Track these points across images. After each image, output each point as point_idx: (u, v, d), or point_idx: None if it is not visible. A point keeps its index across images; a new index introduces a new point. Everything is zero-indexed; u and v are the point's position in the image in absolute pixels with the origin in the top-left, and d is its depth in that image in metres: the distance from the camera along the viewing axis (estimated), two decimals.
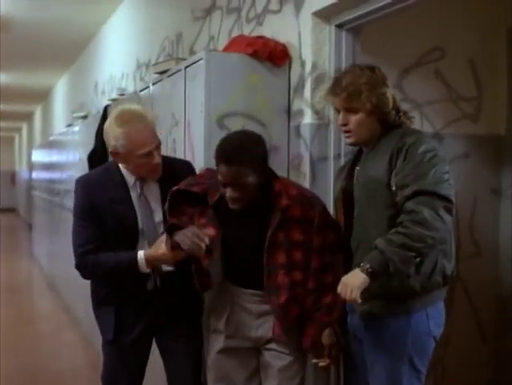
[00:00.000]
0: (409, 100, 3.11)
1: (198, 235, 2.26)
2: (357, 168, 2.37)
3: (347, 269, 2.23)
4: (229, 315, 2.44)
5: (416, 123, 2.61)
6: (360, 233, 2.28)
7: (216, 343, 2.49)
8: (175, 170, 2.65)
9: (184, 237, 2.29)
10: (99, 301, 2.69)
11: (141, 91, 3.94)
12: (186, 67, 3.08)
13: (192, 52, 4.41)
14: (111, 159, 2.72)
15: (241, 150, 2.25)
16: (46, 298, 7.91)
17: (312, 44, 2.84)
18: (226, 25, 3.80)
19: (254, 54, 2.89)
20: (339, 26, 2.83)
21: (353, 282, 2.11)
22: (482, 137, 3.35)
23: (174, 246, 2.37)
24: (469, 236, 3.34)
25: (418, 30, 3.17)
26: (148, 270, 2.50)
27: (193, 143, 2.98)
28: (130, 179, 2.60)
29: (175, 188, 2.44)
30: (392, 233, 2.11)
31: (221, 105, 2.87)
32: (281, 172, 2.96)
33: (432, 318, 2.26)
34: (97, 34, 8.26)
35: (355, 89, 2.26)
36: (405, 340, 2.23)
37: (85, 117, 6.23)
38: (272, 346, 2.41)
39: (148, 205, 2.60)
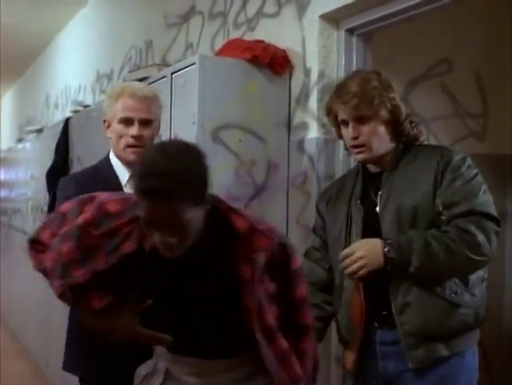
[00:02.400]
0: (416, 115, 2.85)
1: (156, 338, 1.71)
2: (379, 192, 2.03)
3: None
4: None
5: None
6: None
7: None
8: None
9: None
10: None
11: None
12: (173, 74, 2.75)
13: (165, 61, 4.07)
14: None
15: (174, 177, 1.47)
16: None
17: (319, 50, 2.55)
18: (208, 31, 3.49)
19: (254, 60, 2.58)
20: (350, 31, 2.56)
21: (371, 262, 1.91)
22: (488, 157, 3.13)
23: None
24: None
25: (425, 41, 2.94)
26: None
27: None
28: (124, 174, 2.26)
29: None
30: (435, 237, 1.87)
31: (215, 116, 2.54)
32: (280, 192, 2.68)
33: (476, 358, 2.01)
34: (50, 43, 7.79)
35: (365, 94, 1.98)
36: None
37: (39, 131, 5.80)
38: None
39: None
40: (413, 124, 2.07)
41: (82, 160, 4.04)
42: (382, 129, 2.01)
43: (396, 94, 2.04)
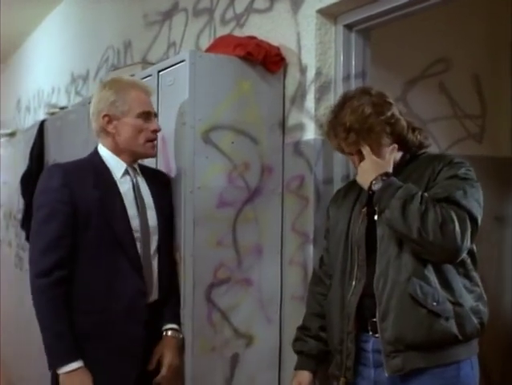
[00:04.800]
0: (414, 116, 2.74)
1: None
2: None
3: None
4: None
5: None
6: (389, 275, 1.87)
7: None
8: (154, 174, 2.35)
9: None
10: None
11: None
12: (160, 72, 2.58)
13: (145, 61, 3.90)
14: None
15: None
16: None
17: (316, 47, 2.41)
18: (193, 29, 3.33)
19: (247, 57, 2.43)
20: (348, 27, 2.43)
21: (366, 171, 1.92)
22: (486, 159, 3.03)
23: None
24: None
25: (423, 39, 2.83)
26: None
27: (169, 162, 2.48)
28: (119, 168, 2.17)
29: None
30: (418, 198, 1.79)
31: (206, 116, 2.38)
32: (274, 196, 2.54)
33: (476, 369, 1.93)
34: (21, 45, 7.54)
35: (362, 126, 1.90)
36: None
37: (12, 134, 5.57)
38: None
39: (143, 200, 2.18)
40: (416, 132, 2.02)
41: None
42: (385, 150, 1.95)
43: (394, 107, 1.95)
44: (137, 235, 2.13)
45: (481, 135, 3.04)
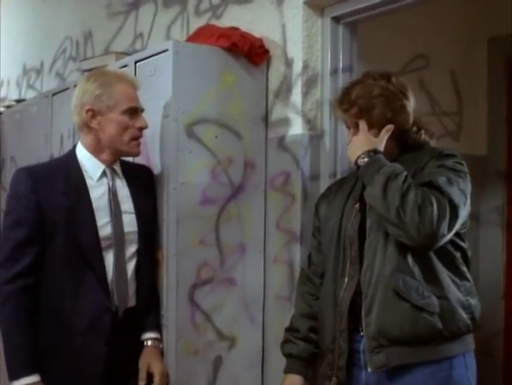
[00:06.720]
0: None
1: None
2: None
3: None
4: None
5: None
6: (375, 267, 1.83)
7: None
8: (136, 172, 2.22)
9: None
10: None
11: (56, 93, 3.22)
12: (137, 62, 2.47)
13: (108, 53, 3.75)
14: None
15: None
16: None
17: (303, 40, 2.34)
18: (163, 19, 3.21)
19: (232, 48, 2.34)
20: (336, 20, 2.37)
21: (354, 144, 1.90)
22: (463, 157, 3.03)
23: None
24: None
25: (403, 35, 2.80)
26: None
27: (149, 158, 2.37)
28: (96, 170, 2.05)
29: None
30: (402, 177, 1.76)
31: (190, 109, 2.28)
32: (258, 193, 2.46)
33: (470, 369, 1.88)
34: None
35: (366, 103, 1.90)
36: None
37: None
38: None
39: (118, 205, 2.06)
40: (421, 132, 1.99)
41: (16, 159, 3.66)
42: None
43: (409, 100, 1.94)
44: (108, 243, 2.03)
45: (458, 132, 3.04)
